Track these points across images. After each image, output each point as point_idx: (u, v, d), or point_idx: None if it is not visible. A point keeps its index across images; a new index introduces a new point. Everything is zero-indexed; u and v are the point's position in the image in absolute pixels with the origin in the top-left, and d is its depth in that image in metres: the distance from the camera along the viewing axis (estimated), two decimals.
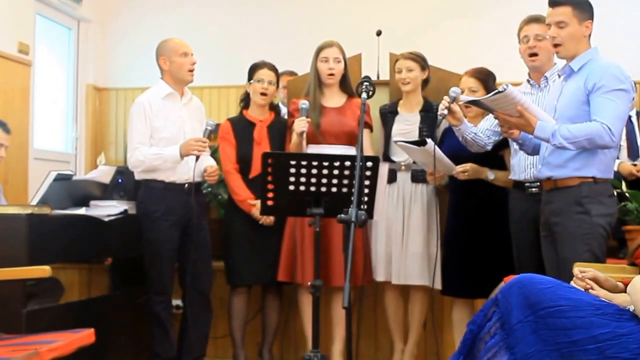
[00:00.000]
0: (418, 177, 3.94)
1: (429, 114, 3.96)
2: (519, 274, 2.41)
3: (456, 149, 3.69)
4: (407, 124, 3.98)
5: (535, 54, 3.49)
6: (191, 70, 3.89)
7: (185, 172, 3.80)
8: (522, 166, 3.50)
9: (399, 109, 4.04)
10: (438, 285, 3.86)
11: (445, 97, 3.28)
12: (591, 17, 3.07)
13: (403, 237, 3.91)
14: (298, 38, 5.38)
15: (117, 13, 5.94)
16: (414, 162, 3.91)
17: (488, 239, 3.76)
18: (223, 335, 4.42)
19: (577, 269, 2.39)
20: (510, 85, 2.91)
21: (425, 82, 4.01)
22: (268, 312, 4.17)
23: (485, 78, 3.83)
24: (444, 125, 3.88)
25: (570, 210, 3.03)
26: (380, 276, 3.94)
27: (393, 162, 3.96)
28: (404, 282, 3.90)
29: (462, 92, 3.69)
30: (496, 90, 2.95)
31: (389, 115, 4.05)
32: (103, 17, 5.92)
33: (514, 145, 3.46)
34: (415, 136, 3.88)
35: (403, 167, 3.95)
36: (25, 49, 4.99)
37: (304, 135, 3.72)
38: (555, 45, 3.07)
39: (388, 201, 3.90)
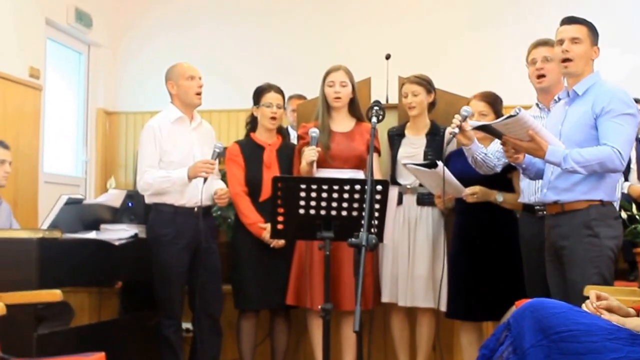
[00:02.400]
0: (424, 200, 3.95)
1: (435, 137, 3.97)
2: (531, 298, 2.40)
3: (462, 172, 3.69)
4: (413, 147, 4.00)
5: (543, 75, 3.51)
6: (198, 94, 3.92)
7: (194, 195, 3.81)
8: (531, 189, 3.49)
9: (406, 131, 4.06)
10: (443, 308, 3.85)
11: (457, 116, 3.28)
12: (598, 44, 3.13)
13: (409, 259, 3.90)
14: (307, 62, 5.43)
15: (127, 38, 6.01)
16: (420, 185, 3.92)
17: (494, 261, 3.74)
18: (232, 359, 4.40)
19: (593, 292, 2.38)
20: (523, 109, 2.92)
21: (431, 105, 4.03)
22: (277, 336, 4.15)
23: (494, 101, 3.84)
24: (450, 147, 3.89)
25: (579, 234, 3.03)
26: (385, 297, 3.94)
27: (399, 184, 3.97)
28: (411, 305, 3.90)
29: (473, 115, 3.71)
30: (508, 115, 2.96)
31: (396, 138, 4.06)
32: (113, 42, 5.99)
33: None
34: (420, 159, 3.89)
35: (409, 190, 3.96)
36: (36, 74, 5.04)
37: (314, 164, 3.73)
38: (566, 60, 3.09)
39: (394, 224, 3.90)
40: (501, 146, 3.48)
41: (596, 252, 3.00)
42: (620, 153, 2.92)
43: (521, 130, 2.94)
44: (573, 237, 3.05)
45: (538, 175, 3.25)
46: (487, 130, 3.13)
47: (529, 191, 3.50)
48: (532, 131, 2.92)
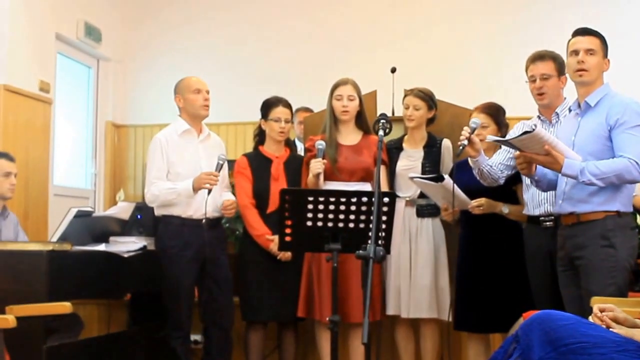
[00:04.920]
0: (423, 212, 3.97)
1: (432, 149, 4.01)
2: (538, 309, 2.41)
3: (467, 184, 3.70)
4: (410, 160, 4.02)
5: (543, 93, 3.52)
6: (205, 106, 3.96)
7: (201, 207, 3.84)
8: (535, 201, 3.50)
9: (403, 144, 4.09)
10: (447, 318, 3.84)
11: (466, 128, 3.31)
12: (608, 56, 3.18)
13: (411, 271, 3.93)
14: (314, 75, 5.44)
15: (136, 52, 6.05)
16: (419, 197, 3.95)
17: (501, 273, 3.75)
18: None
19: (597, 306, 2.39)
20: (539, 125, 2.95)
21: (430, 120, 4.06)
22: (285, 348, 4.16)
23: (496, 113, 3.85)
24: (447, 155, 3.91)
25: (596, 244, 3.05)
26: (390, 309, 3.95)
27: (398, 197, 3.97)
28: (413, 316, 3.92)
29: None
30: (524, 131, 3.02)
31: (394, 151, 4.09)
32: (122, 56, 6.03)
33: (527, 180, 3.48)
34: (418, 171, 3.92)
35: (408, 203, 3.97)
36: (46, 87, 5.07)
37: (321, 176, 3.75)
38: (581, 70, 3.13)
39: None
40: (503, 158, 3.53)
41: (612, 262, 3.02)
42: (637, 164, 2.96)
43: (537, 145, 2.98)
44: (589, 247, 3.06)
45: (550, 186, 3.28)
46: (507, 145, 3.18)
47: (534, 203, 3.51)
48: (548, 146, 2.96)
